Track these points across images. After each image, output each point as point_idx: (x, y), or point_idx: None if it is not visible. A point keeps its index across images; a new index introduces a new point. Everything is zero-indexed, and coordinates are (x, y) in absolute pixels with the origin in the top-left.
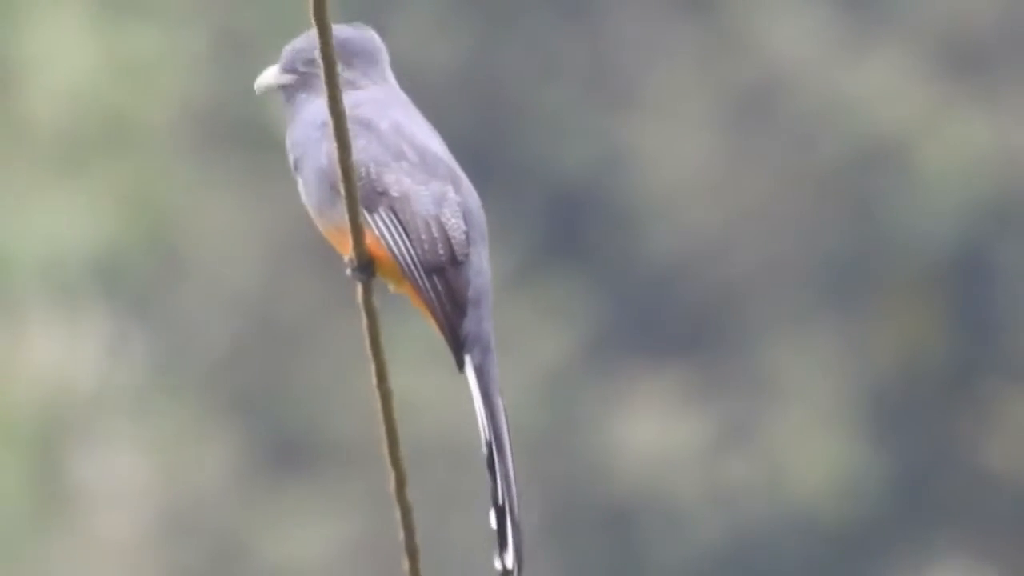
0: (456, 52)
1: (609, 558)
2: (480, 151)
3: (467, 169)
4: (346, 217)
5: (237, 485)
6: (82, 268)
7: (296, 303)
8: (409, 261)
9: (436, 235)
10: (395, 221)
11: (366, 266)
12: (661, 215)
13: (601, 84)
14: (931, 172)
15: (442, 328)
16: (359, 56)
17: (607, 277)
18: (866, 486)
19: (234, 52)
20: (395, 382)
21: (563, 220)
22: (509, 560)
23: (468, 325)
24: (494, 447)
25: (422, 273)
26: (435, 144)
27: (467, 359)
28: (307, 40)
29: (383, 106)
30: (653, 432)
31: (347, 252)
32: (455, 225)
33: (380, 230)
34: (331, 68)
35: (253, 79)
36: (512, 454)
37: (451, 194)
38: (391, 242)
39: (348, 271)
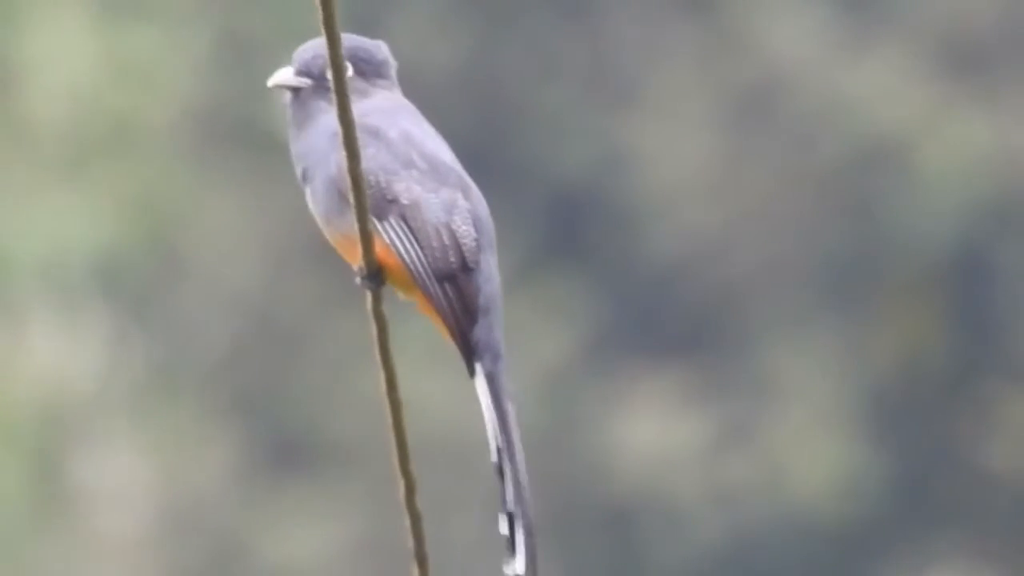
0: (456, 52)
1: (609, 558)
2: (480, 151)
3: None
4: (355, 226)
5: (237, 485)
6: (82, 268)
7: (296, 303)
8: (420, 269)
9: (447, 242)
10: (406, 229)
11: (375, 274)
12: (661, 215)
13: (601, 84)
14: (931, 172)
15: (453, 335)
16: (368, 65)
17: (607, 277)
18: (866, 486)
19: (235, 53)
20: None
21: (563, 220)
22: (520, 566)
23: (479, 332)
24: (505, 453)
25: (433, 281)
26: (444, 152)
27: (478, 366)
28: (325, 47)
29: (392, 115)
30: (653, 432)
31: (356, 261)
32: (466, 232)
33: (391, 238)
34: (340, 77)
35: (254, 80)
36: (524, 460)
37: (461, 201)
38: (402, 250)
39: (358, 280)
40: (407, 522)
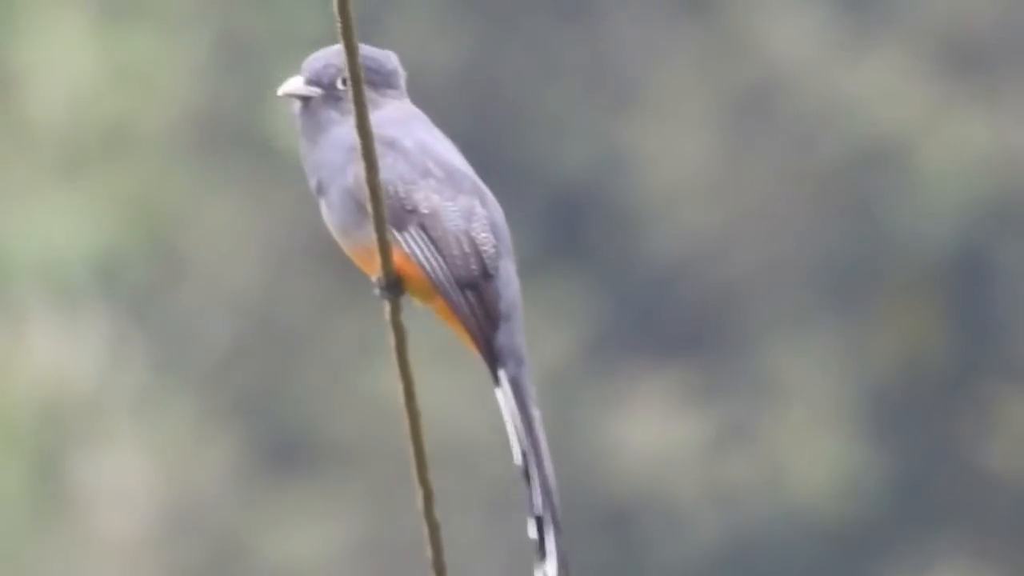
0: (456, 52)
1: (609, 558)
2: (480, 151)
3: None
4: (373, 237)
5: (237, 485)
6: (82, 269)
7: (296, 304)
8: (442, 277)
9: (467, 250)
10: (426, 239)
11: (394, 285)
12: (661, 215)
13: (601, 84)
14: (931, 172)
15: (476, 343)
16: (378, 75)
17: (607, 277)
18: (866, 486)
19: (233, 56)
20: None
21: (563, 220)
22: (551, 570)
23: (501, 338)
24: (531, 458)
25: (455, 289)
26: (458, 159)
27: (501, 372)
28: (338, 56)
29: (405, 124)
30: (653, 432)
31: (374, 272)
32: (485, 239)
33: (411, 248)
34: (359, 88)
35: (252, 83)
36: (552, 463)
37: (478, 208)
38: (423, 259)
39: (376, 291)
40: (426, 532)
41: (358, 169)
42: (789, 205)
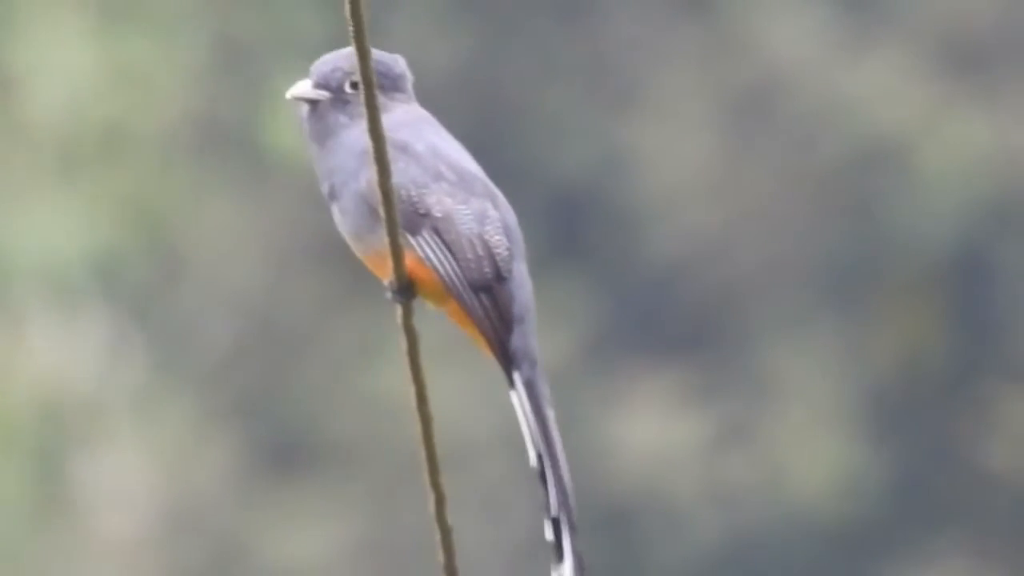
0: (456, 53)
1: (609, 558)
2: (480, 152)
3: None
4: (386, 241)
5: (237, 486)
6: (82, 270)
7: (296, 304)
8: (456, 281)
9: (481, 253)
10: (439, 242)
11: (406, 288)
12: (661, 215)
13: (601, 85)
14: (931, 172)
15: (491, 346)
16: (386, 79)
17: (607, 277)
18: (866, 486)
19: (231, 58)
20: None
21: (563, 221)
22: (568, 570)
23: (515, 341)
24: (547, 460)
25: (470, 292)
26: (469, 162)
27: (516, 375)
28: (347, 60)
29: (416, 128)
30: (653, 432)
31: (386, 276)
32: (498, 242)
33: (425, 252)
34: (371, 92)
35: (250, 85)
36: (567, 464)
37: (491, 211)
38: (437, 263)
39: (388, 294)
40: (437, 536)
41: (370, 173)
42: (789, 205)
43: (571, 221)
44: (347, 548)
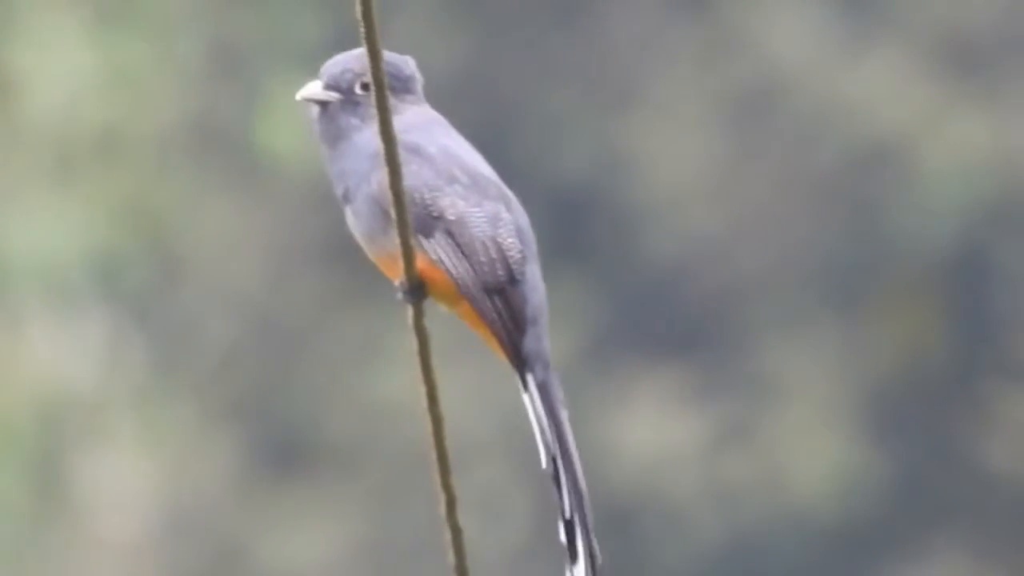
0: (456, 53)
1: (609, 558)
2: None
3: None
4: (398, 242)
5: (237, 486)
6: (82, 270)
7: (295, 305)
8: (469, 283)
9: (494, 256)
10: (453, 245)
11: (417, 289)
12: (661, 216)
13: (601, 85)
14: (931, 172)
15: (504, 348)
16: (397, 81)
17: (607, 278)
18: (866, 486)
19: (228, 61)
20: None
21: (563, 221)
22: (582, 571)
23: (529, 343)
24: (561, 461)
25: (483, 295)
26: (482, 164)
27: (529, 377)
28: (357, 61)
29: (428, 130)
30: (653, 432)
31: (397, 277)
32: (511, 244)
33: (438, 255)
34: (382, 93)
35: (247, 88)
36: (582, 466)
37: (504, 214)
38: (450, 266)
39: (399, 295)
40: (448, 537)
41: (383, 175)
42: (789, 205)
43: (571, 221)
44: (347, 549)
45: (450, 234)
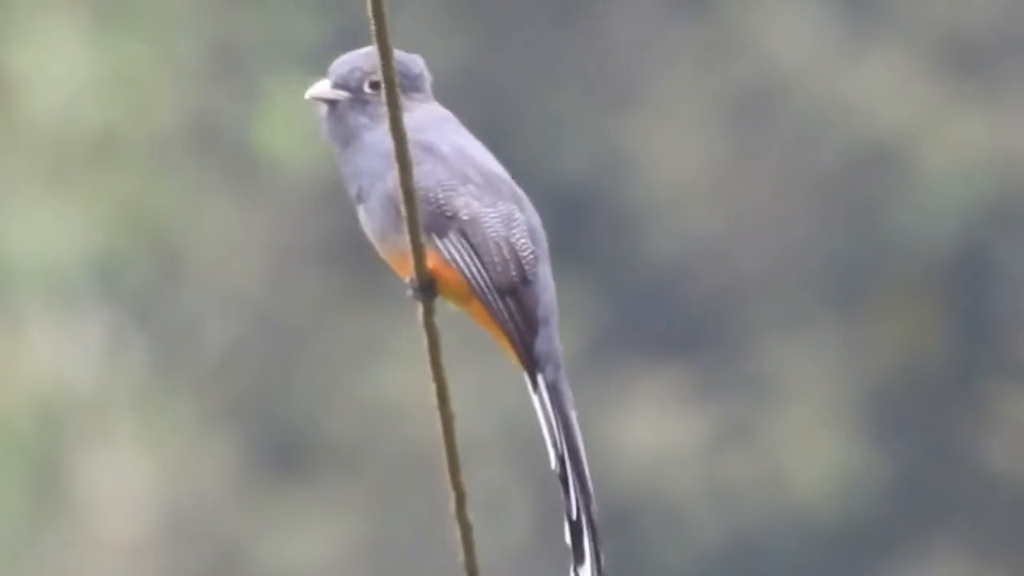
0: (456, 53)
1: (609, 558)
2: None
3: None
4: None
5: (237, 487)
6: (81, 270)
7: (295, 305)
8: (482, 284)
9: (507, 256)
10: (466, 245)
11: (427, 287)
12: (661, 216)
13: (601, 85)
14: (931, 172)
15: (516, 348)
16: (406, 79)
17: (607, 278)
18: (866, 486)
19: (227, 62)
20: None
21: (563, 221)
22: (588, 572)
23: (540, 344)
24: (570, 462)
25: (495, 295)
26: (494, 163)
27: (539, 377)
28: (366, 59)
29: (440, 129)
30: (653, 432)
31: (408, 275)
32: (524, 245)
33: (451, 254)
34: (393, 91)
35: (246, 88)
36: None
37: (517, 214)
38: (463, 266)
39: (409, 292)
40: (458, 534)
41: (397, 174)
42: (789, 205)
43: (571, 221)
44: (347, 549)
45: (463, 234)
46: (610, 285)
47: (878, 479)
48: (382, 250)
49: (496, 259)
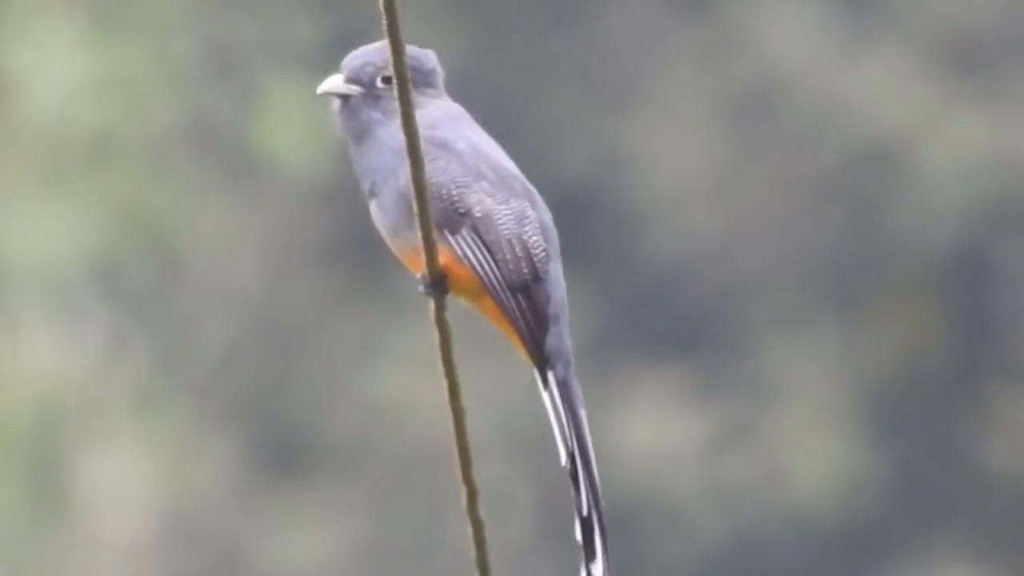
0: (456, 53)
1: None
2: None
3: None
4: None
5: (237, 487)
6: (81, 270)
7: (294, 305)
8: (495, 281)
9: (519, 254)
10: (479, 242)
11: (438, 283)
12: (661, 216)
13: (601, 85)
14: (931, 172)
15: (526, 345)
16: (418, 75)
17: (607, 278)
18: (866, 486)
19: (225, 62)
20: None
21: (563, 221)
22: (598, 570)
23: (550, 341)
24: (579, 459)
25: (507, 292)
26: (508, 161)
27: (550, 375)
28: (378, 54)
29: (454, 125)
30: (653, 432)
31: (419, 271)
32: (536, 242)
33: (463, 251)
34: (404, 86)
35: (243, 88)
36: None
37: (529, 211)
38: (475, 262)
39: (420, 288)
40: (469, 530)
41: (408, 170)
42: (789, 205)
43: (571, 221)
44: (347, 549)
45: (476, 231)
46: (610, 285)
47: (878, 479)
48: (394, 246)
49: (508, 256)
